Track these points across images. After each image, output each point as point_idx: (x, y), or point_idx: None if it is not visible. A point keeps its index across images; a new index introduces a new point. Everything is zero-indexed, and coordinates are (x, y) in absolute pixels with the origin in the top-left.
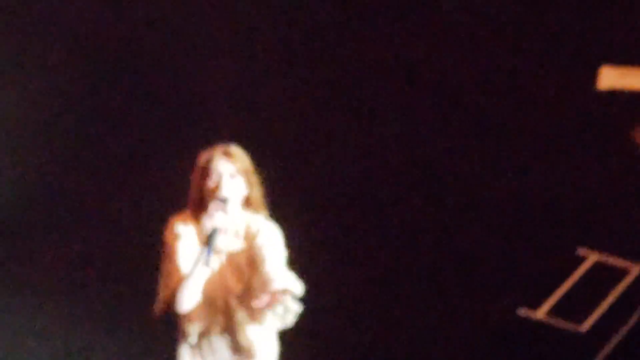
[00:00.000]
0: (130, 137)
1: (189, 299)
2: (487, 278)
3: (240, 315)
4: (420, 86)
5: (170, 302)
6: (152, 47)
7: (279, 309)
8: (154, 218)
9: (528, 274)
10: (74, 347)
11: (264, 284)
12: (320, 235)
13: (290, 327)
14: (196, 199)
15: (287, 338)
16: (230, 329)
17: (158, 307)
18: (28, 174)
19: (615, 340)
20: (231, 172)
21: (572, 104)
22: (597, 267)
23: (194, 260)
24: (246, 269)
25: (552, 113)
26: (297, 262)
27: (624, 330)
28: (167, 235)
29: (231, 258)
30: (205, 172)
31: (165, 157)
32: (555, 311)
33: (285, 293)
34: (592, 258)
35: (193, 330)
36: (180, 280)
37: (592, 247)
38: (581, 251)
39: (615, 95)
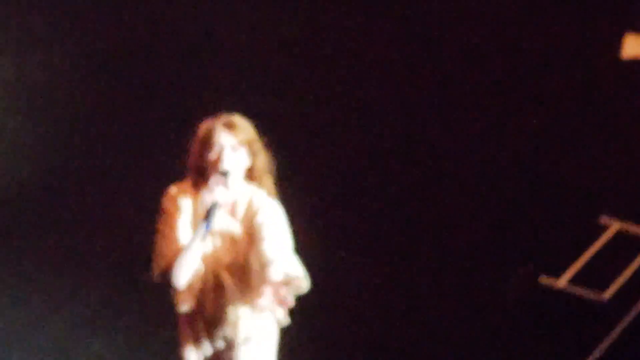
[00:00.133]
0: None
1: (185, 273)
2: (509, 247)
3: (232, 292)
4: (433, 54)
5: (166, 275)
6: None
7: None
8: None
9: (550, 242)
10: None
11: (262, 265)
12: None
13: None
14: (196, 170)
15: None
16: (219, 306)
17: (155, 275)
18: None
19: (637, 308)
20: (233, 144)
21: (596, 72)
22: (619, 235)
23: (191, 234)
24: (244, 246)
25: (575, 81)
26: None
27: None
28: (166, 203)
29: (229, 234)
30: (206, 143)
31: (168, 129)
32: (576, 280)
33: (287, 284)
34: (614, 226)
35: (184, 305)
36: (176, 253)
37: (614, 215)
38: (603, 219)
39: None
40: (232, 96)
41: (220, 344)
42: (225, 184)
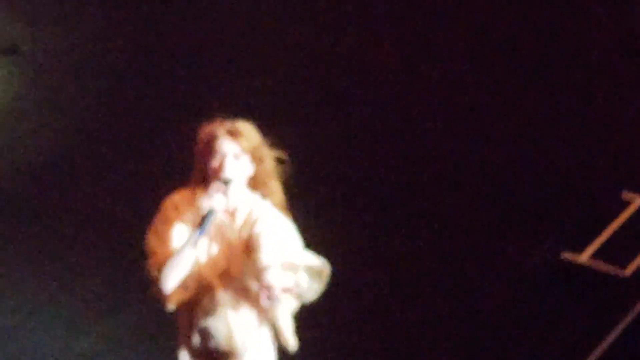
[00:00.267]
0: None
1: (173, 279)
2: (531, 222)
3: (224, 302)
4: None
5: (156, 278)
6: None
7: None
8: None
9: (572, 217)
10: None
11: (257, 274)
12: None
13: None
14: (199, 176)
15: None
16: (212, 316)
17: (152, 273)
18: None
19: None
20: (235, 152)
21: (615, 40)
22: None
23: (184, 239)
24: (240, 255)
25: (595, 51)
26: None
27: None
28: (166, 206)
29: (227, 241)
30: (209, 150)
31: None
32: (598, 255)
33: (283, 290)
34: (636, 201)
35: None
36: (168, 256)
37: (636, 190)
38: (625, 195)
39: None
40: (241, 98)
41: (215, 354)
42: (224, 192)
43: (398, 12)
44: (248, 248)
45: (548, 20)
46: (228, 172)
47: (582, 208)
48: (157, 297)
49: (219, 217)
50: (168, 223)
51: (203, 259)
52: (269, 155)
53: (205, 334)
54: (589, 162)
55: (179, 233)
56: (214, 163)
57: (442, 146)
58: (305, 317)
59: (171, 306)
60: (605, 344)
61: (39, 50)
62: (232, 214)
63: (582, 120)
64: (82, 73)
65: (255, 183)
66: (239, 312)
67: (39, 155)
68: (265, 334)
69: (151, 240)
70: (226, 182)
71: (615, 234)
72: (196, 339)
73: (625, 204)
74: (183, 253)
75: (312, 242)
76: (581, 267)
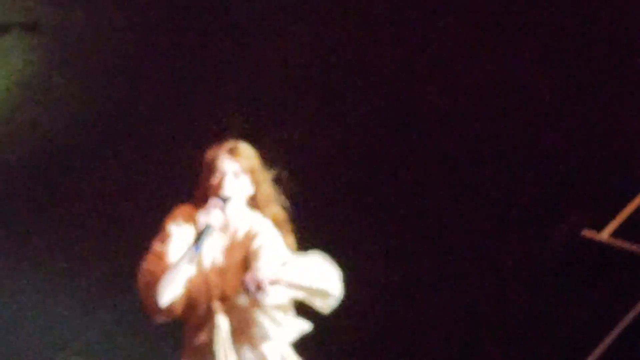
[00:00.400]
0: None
1: (167, 293)
2: (552, 199)
3: (223, 320)
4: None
5: (150, 293)
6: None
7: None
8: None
9: (593, 195)
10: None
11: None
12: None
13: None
14: (201, 196)
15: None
16: (211, 336)
17: (138, 288)
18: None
19: None
20: (235, 170)
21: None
22: None
23: (181, 255)
24: (238, 272)
25: (627, 20)
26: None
27: None
28: (167, 223)
29: (225, 258)
30: (210, 169)
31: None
32: (619, 233)
33: (273, 283)
34: None
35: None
36: (164, 271)
37: None
38: None
39: None
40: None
41: None
42: (222, 208)
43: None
44: (246, 265)
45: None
46: (227, 189)
47: (603, 185)
48: (147, 312)
49: (216, 233)
50: (166, 241)
51: (200, 276)
52: (268, 178)
53: (203, 349)
54: (610, 140)
55: (176, 248)
56: (214, 181)
57: (464, 122)
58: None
59: (162, 319)
60: (626, 322)
61: (58, 27)
62: (233, 233)
63: (604, 98)
64: (101, 49)
65: (255, 204)
66: (235, 329)
67: (59, 132)
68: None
69: (148, 259)
70: (225, 200)
71: (637, 212)
72: (196, 351)
73: None
74: (179, 268)
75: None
76: (602, 245)
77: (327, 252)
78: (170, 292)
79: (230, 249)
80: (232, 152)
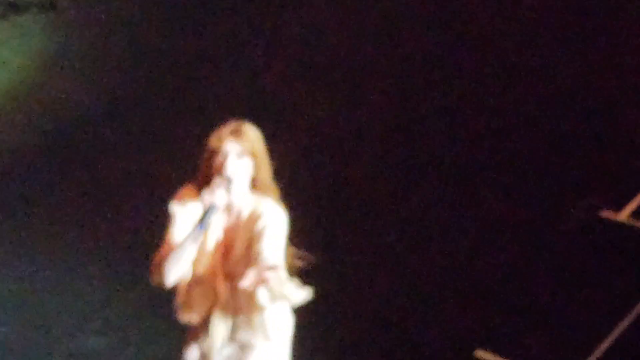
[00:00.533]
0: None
1: (173, 272)
2: (570, 180)
3: (226, 300)
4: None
5: (158, 273)
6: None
7: (268, 290)
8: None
9: (611, 176)
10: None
11: (256, 262)
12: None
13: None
14: (204, 177)
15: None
16: (214, 314)
17: (152, 275)
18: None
19: None
20: (238, 151)
21: None
22: None
23: (186, 234)
24: (243, 252)
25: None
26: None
27: None
28: (172, 205)
29: (229, 239)
30: (214, 150)
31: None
32: (638, 213)
33: (272, 270)
34: None
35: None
36: (169, 251)
37: None
38: None
39: None
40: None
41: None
42: (226, 188)
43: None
44: (250, 245)
45: None
46: (230, 170)
47: (621, 166)
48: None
49: (220, 213)
50: (172, 223)
51: (204, 256)
52: (268, 164)
53: (206, 330)
54: (630, 121)
55: (181, 228)
56: (217, 162)
57: (486, 100)
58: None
59: (184, 318)
60: None
61: (76, 6)
62: (237, 213)
63: (626, 79)
64: (118, 28)
65: (256, 185)
66: (237, 312)
67: (76, 110)
68: (269, 325)
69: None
70: (228, 180)
71: None
72: (200, 335)
73: None
74: (184, 248)
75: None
76: (620, 226)
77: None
78: (175, 272)
79: (234, 230)
80: (236, 133)
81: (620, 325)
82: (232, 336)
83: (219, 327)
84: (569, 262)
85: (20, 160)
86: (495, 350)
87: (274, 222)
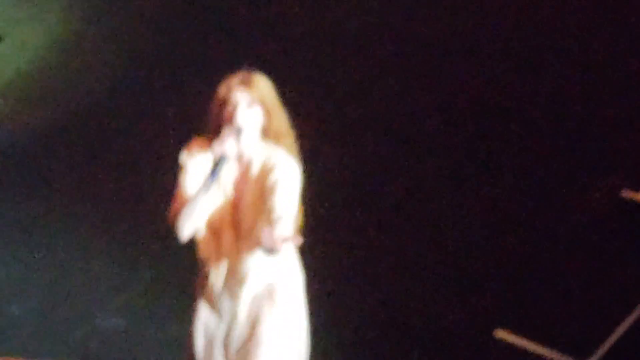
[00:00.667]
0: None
1: (188, 224)
2: (591, 160)
3: (233, 249)
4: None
5: (173, 226)
6: None
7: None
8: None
9: (632, 155)
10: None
11: (270, 222)
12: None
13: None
14: (214, 128)
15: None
16: (223, 263)
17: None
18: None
19: None
20: (248, 101)
21: None
22: None
23: (197, 185)
24: (253, 202)
25: None
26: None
27: None
28: (183, 157)
29: (240, 190)
30: (223, 100)
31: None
32: None
33: (286, 240)
34: None
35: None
36: (183, 204)
37: None
38: None
39: None
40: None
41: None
42: (237, 138)
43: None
44: (262, 197)
45: None
46: (240, 120)
47: None
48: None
49: (231, 163)
50: (184, 175)
51: (216, 208)
52: (281, 110)
53: (218, 283)
54: None
55: (193, 179)
56: (227, 111)
57: (506, 81)
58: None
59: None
60: None
61: None
62: (247, 163)
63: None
64: (138, 8)
65: (267, 135)
66: (250, 259)
67: (94, 89)
68: (280, 278)
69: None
70: (238, 130)
71: None
72: (210, 288)
73: None
74: (196, 200)
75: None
76: None
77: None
78: (190, 225)
79: (245, 181)
80: (245, 82)
81: None
82: (228, 286)
83: (219, 277)
84: (589, 242)
85: (39, 140)
86: (515, 330)
87: (286, 175)
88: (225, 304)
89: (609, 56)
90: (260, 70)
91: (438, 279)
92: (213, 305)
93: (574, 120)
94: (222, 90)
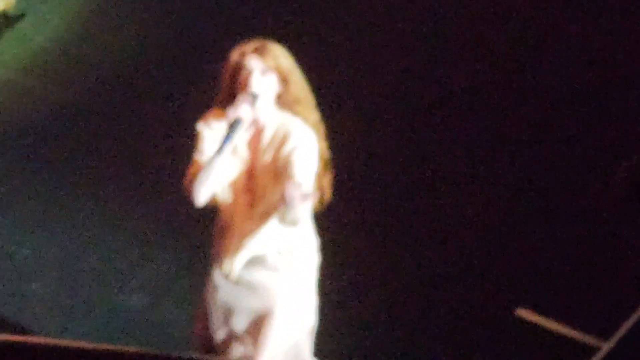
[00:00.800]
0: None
1: (204, 189)
2: (615, 140)
3: (245, 215)
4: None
5: (189, 191)
6: None
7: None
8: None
9: None
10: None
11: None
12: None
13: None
14: (228, 96)
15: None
16: (245, 229)
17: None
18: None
19: None
20: (262, 68)
21: None
22: None
23: (213, 151)
24: (268, 169)
25: None
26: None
27: None
28: (198, 126)
29: (255, 155)
30: (237, 66)
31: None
32: None
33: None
34: None
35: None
36: (199, 169)
37: None
38: None
39: None
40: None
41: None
42: (251, 104)
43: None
44: (276, 164)
45: None
46: (255, 86)
47: None
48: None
49: (246, 128)
50: (200, 144)
51: (230, 174)
52: (299, 78)
53: (232, 251)
54: None
55: (208, 147)
56: (241, 78)
57: (536, 61)
58: None
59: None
60: None
61: None
62: (260, 131)
63: None
64: None
65: (283, 103)
66: (264, 228)
67: (116, 69)
68: (293, 244)
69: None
70: (253, 96)
71: None
72: (225, 256)
73: None
74: (211, 164)
75: None
76: None
77: None
78: (205, 189)
79: (259, 147)
80: (259, 50)
81: None
82: (242, 254)
83: (234, 245)
84: (613, 222)
85: (61, 116)
86: (536, 309)
87: (303, 143)
88: (239, 272)
89: (623, 37)
90: (275, 39)
91: (459, 257)
92: (227, 272)
93: (598, 99)
94: (234, 56)
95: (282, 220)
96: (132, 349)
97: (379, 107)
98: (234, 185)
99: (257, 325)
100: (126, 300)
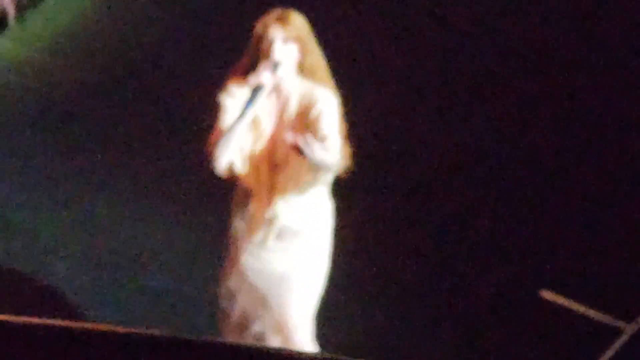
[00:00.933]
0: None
1: (225, 154)
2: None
3: (277, 184)
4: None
5: (211, 159)
6: None
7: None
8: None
9: None
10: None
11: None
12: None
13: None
14: (250, 64)
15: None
16: (267, 202)
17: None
18: None
19: None
20: (283, 37)
21: None
22: None
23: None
24: (288, 139)
25: None
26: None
27: None
28: (220, 95)
29: (277, 123)
30: (260, 37)
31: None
32: None
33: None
34: None
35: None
36: (221, 135)
37: None
38: None
39: None
40: None
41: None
42: (273, 72)
43: None
44: (303, 131)
45: None
46: (277, 54)
47: None
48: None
49: (267, 95)
50: (222, 112)
51: (253, 142)
52: (317, 51)
53: (253, 216)
54: None
55: (230, 115)
56: (263, 47)
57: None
58: None
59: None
60: None
61: None
62: (285, 100)
63: None
64: None
65: (303, 71)
66: (286, 194)
67: (141, 45)
68: (316, 212)
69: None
70: (275, 64)
71: None
72: (246, 226)
73: None
74: (233, 129)
75: None
76: None
77: None
78: (225, 155)
79: (283, 115)
80: (280, 19)
81: None
82: (261, 224)
83: (254, 215)
84: (636, 203)
85: (85, 95)
86: (561, 291)
87: (329, 109)
88: (259, 242)
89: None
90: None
91: (482, 238)
92: (247, 243)
93: (617, 87)
94: (258, 27)
95: (316, 180)
96: (155, 331)
97: (398, 82)
98: (254, 158)
99: (278, 297)
100: (150, 281)
